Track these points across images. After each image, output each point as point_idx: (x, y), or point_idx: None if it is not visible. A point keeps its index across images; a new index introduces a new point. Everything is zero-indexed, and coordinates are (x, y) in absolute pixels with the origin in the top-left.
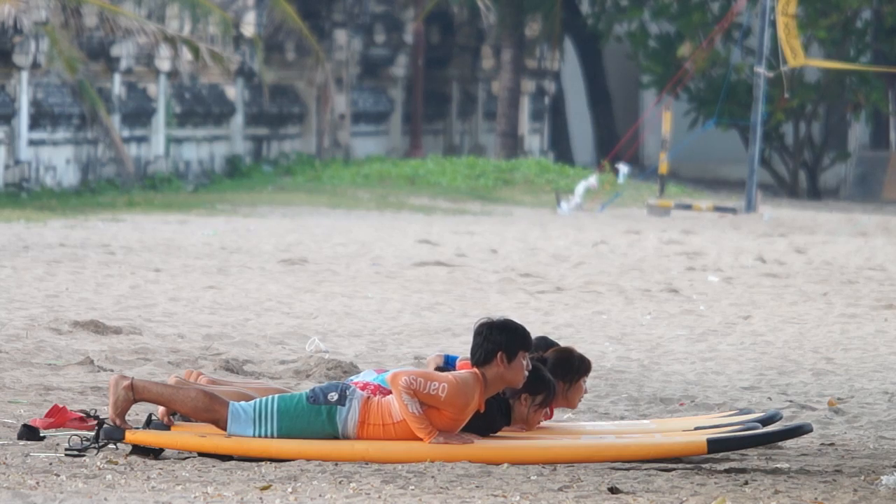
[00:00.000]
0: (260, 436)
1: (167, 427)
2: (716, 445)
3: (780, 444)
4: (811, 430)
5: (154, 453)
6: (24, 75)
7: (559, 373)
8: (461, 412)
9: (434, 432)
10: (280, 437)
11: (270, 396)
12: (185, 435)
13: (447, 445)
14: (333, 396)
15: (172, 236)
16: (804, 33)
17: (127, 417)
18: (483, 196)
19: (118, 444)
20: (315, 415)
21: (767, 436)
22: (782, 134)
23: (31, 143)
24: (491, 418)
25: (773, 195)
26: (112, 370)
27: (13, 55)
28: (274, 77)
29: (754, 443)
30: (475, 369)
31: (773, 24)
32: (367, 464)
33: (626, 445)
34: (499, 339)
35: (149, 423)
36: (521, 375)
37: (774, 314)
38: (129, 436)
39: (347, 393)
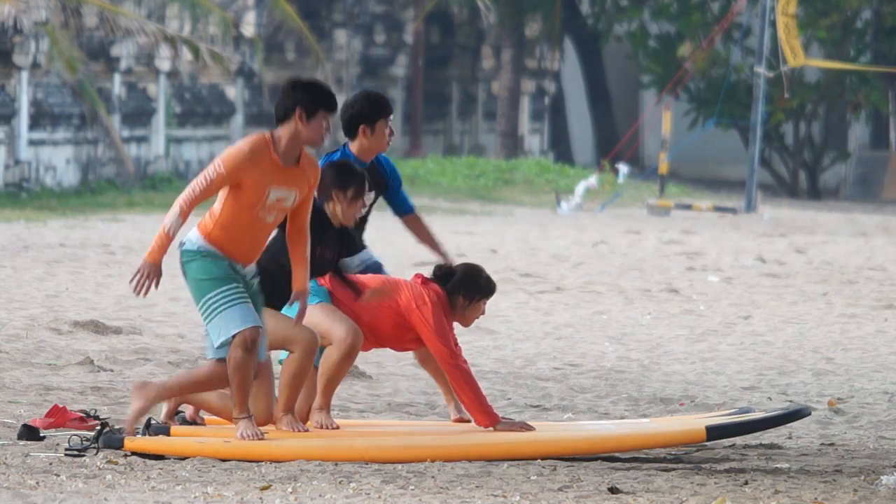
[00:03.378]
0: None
1: (167, 429)
2: (715, 432)
3: (780, 444)
4: (809, 414)
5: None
6: (24, 75)
7: (462, 287)
8: (240, 170)
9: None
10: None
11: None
12: (184, 440)
13: (448, 446)
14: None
15: None
16: (804, 33)
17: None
18: (483, 196)
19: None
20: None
21: (766, 421)
22: (782, 134)
23: (31, 143)
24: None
25: (773, 195)
26: (112, 370)
27: (13, 55)
28: (274, 77)
29: (753, 429)
30: (265, 133)
31: (773, 24)
32: (367, 464)
33: (626, 435)
34: (300, 95)
35: (148, 427)
36: (318, 135)
37: (774, 314)
38: (129, 443)
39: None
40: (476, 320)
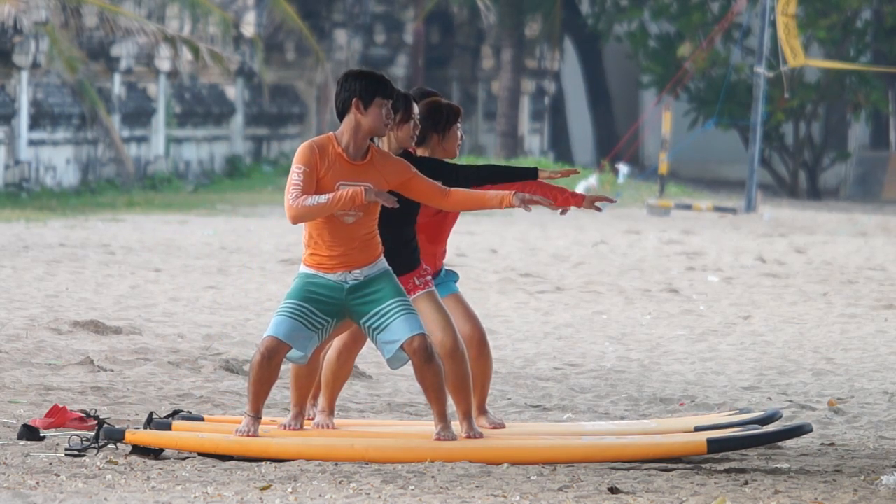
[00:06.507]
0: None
1: (168, 426)
2: (716, 445)
3: (780, 444)
4: (811, 430)
5: (154, 453)
6: (24, 75)
7: (430, 124)
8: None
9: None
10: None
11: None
12: (185, 435)
13: (448, 445)
14: None
15: (172, 236)
16: (804, 33)
17: (127, 417)
18: None
19: (118, 444)
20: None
21: (767, 436)
22: (782, 134)
23: (31, 143)
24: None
25: (773, 195)
26: (112, 370)
27: (13, 55)
28: (274, 77)
29: (754, 443)
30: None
31: (773, 24)
32: (367, 464)
33: (626, 445)
34: (354, 85)
35: (149, 423)
36: (380, 122)
37: (774, 314)
38: (129, 436)
39: None
40: (459, 146)
